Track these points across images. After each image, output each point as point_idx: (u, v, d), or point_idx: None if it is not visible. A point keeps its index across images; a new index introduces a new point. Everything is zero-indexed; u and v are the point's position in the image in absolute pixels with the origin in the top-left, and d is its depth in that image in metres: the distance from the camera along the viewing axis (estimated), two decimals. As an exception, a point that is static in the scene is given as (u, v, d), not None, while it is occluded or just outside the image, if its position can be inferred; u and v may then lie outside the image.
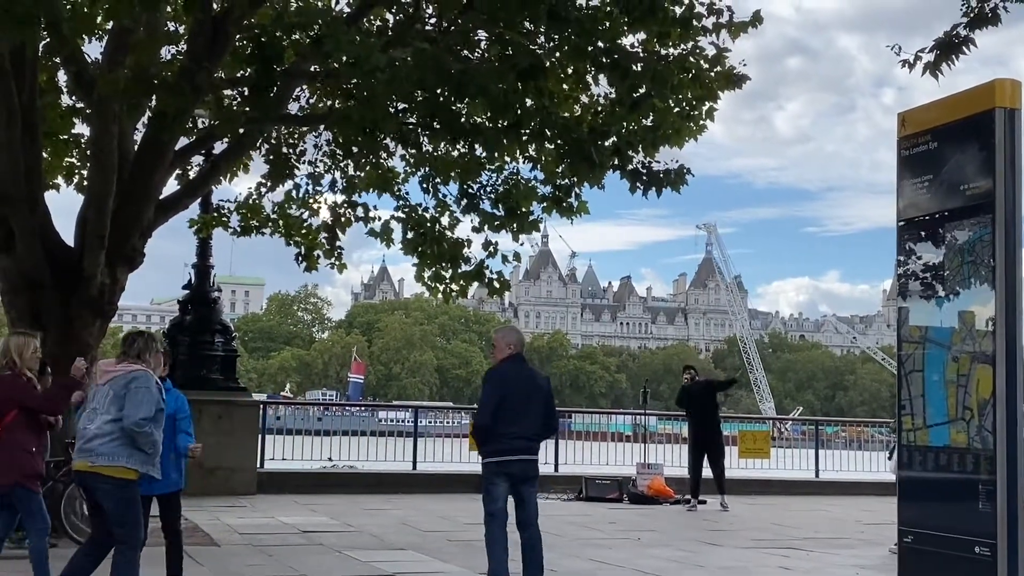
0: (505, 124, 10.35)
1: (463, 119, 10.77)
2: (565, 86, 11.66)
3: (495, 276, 12.87)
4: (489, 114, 10.45)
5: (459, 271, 12.90)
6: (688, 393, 16.79)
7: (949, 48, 8.98)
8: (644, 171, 10.63)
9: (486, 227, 12.35)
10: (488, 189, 12.43)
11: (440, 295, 13.38)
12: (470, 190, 12.35)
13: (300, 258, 13.85)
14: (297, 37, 10.72)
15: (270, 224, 13.92)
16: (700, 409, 16.52)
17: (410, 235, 12.93)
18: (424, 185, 12.92)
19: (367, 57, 8.72)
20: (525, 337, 8.95)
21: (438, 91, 9.98)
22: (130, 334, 7.48)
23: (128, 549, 6.85)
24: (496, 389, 8.27)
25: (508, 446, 8.21)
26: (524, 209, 12.17)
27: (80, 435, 6.92)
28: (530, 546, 8.29)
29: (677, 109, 11.02)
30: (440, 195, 12.89)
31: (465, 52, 11.01)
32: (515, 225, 12.18)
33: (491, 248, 12.61)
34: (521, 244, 12.77)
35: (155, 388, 6.93)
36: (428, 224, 12.86)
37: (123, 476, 6.75)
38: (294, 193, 13.69)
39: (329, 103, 12.85)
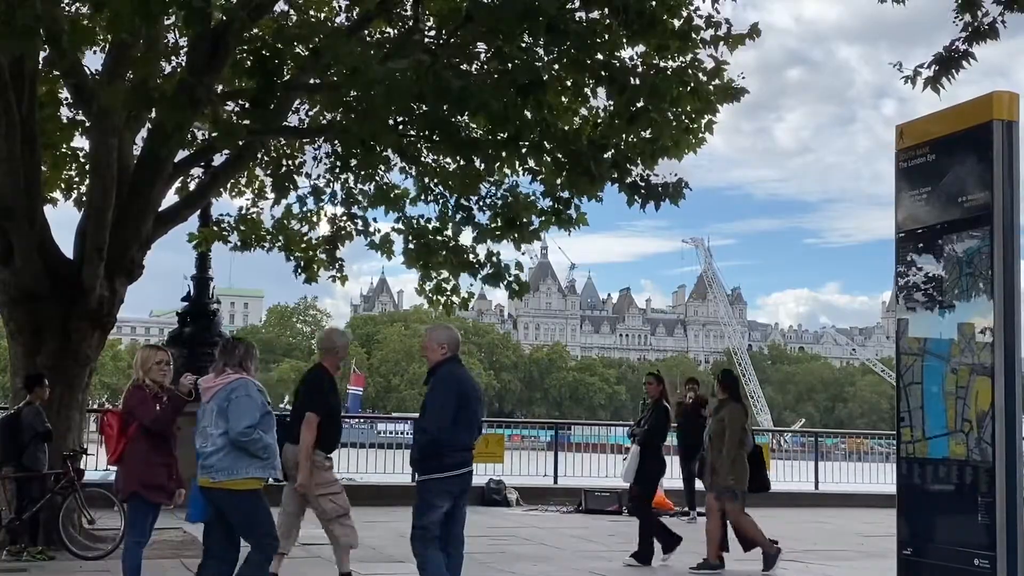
0: (504, 137, 10.36)
1: (461, 132, 10.79)
2: (564, 99, 11.68)
3: (513, 279, 12.79)
4: (488, 127, 10.48)
5: (477, 277, 12.86)
6: (685, 409, 16.92)
7: (949, 63, 9.03)
8: (642, 184, 10.64)
9: (487, 239, 12.37)
10: (487, 201, 12.45)
11: (441, 307, 13.38)
12: (466, 202, 12.37)
13: (299, 270, 13.84)
14: (298, 50, 10.75)
15: (269, 239, 13.92)
16: (689, 423, 16.56)
17: (412, 246, 12.92)
18: (425, 197, 12.92)
19: (365, 68, 8.73)
20: (460, 337, 7.94)
21: (438, 104, 9.99)
22: (230, 341, 7.48)
23: (263, 558, 7.06)
24: (452, 393, 7.42)
25: (461, 459, 7.42)
26: (523, 220, 12.18)
27: (198, 454, 7.04)
28: (457, 565, 7.60)
29: (676, 122, 11.03)
30: (442, 206, 12.90)
31: (464, 65, 11.03)
32: (516, 235, 12.18)
33: (493, 258, 12.59)
34: (523, 253, 12.77)
35: (256, 393, 7.03)
36: (430, 235, 12.84)
37: (245, 487, 6.89)
38: (295, 208, 13.70)
39: (329, 116, 12.88)
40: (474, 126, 11.22)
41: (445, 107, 9.49)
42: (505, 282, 12.72)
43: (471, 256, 12.79)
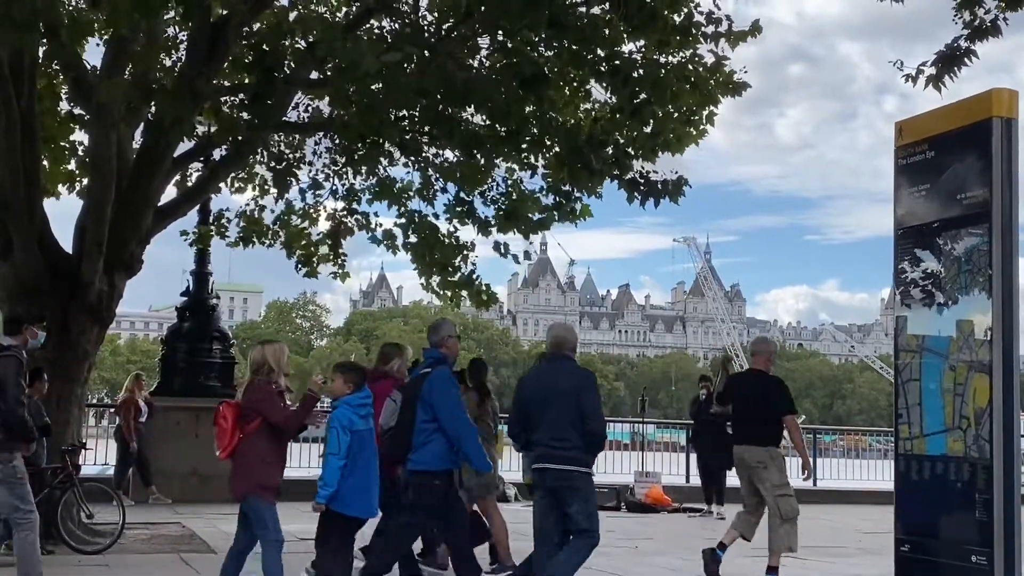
0: (504, 132, 10.34)
1: (462, 127, 10.76)
2: (567, 91, 11.67)
3: (483, 288, 12.87)
4: (488, 122, 10.46)
5: (449, 279, 12.86)
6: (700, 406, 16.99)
7: (951, 60, 9.02)
8: (642, 181, 10.63)
9: (493, 230, 12.36)
10: (487, 196, 12.44)
11: (447, 301, 13.39)
12: (466, 198, 12.36)
13: (300, 265, 13.84)
14: (298, 45, 10.73)
15: (269, 234, 13.90)
16: (704, 419, 16.69)
17: (412, 240, 12.91)
18: (425, 191, 12.90)
19: (359, 62, 8.65)
20: (571, 334, 8.15)
21: (440, 99, 9.96)
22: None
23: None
24: (517, 396, 7.95)
25: (535, 454, 7.76)
26: (524, 215, 12.17)
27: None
28: (561, 554, 7.56)
29: (677, 116, 11.01)
30: (443, 201, 12.90)
31: (469, 61, 11.01)
32: (522, 226, 12.18)
33: (501, 248, 12.53)
34: (531, 243, 12.78)
35: None
36: (427, 231, 12.83)
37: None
38: (296, 203, 13.68)
39: (330, 111, 12.86)
40: (476, 121, 11.19)
41: (448, 100, 9.48)
42: (474, 290, 12.76)
43: (458, 259, 12.81)
